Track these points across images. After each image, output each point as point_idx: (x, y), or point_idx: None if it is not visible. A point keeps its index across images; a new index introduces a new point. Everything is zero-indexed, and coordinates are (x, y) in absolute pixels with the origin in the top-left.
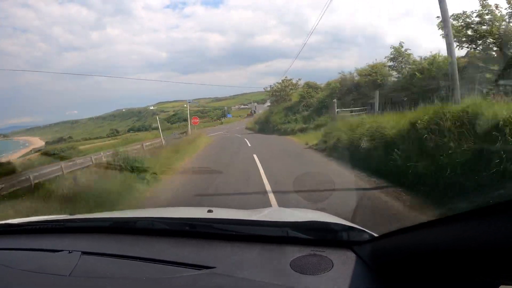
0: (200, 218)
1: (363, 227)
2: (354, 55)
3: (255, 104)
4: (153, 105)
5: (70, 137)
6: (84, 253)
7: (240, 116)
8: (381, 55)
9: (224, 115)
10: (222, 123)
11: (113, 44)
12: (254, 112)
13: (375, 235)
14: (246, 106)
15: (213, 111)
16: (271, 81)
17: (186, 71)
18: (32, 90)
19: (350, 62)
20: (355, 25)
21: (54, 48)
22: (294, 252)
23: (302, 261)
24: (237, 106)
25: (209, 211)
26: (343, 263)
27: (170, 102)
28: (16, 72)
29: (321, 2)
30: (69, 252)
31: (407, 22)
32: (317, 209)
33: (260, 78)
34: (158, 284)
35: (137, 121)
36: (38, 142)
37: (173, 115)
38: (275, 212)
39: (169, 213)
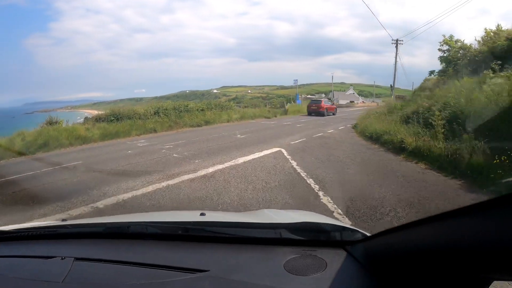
0: (193, 222)
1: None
2: (425, 54)
3: (330, 93)
4: (217, 89)
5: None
6: (77, 259)
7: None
8: None
9: (285, 103)
10: (286, 112)
11: (182, 28)
12: (335, 100)
13: (368, 234)
14: (313, 96)
15: (276, 99)
16: (338, 74)
17: (253, 58)
18: (104, 68)
19: (420, 61)
20: (429, 21)
21: (125, 30)
22: (287, 254)
23: (296, 262)
24: (303, 96)
25: (202, 214)
26: (337, 263)
27: (234, 87)
28: (89, 51)
29: None
30: (62, 259)
31: (484, 20)
32: None
33: (327, 71)
34: None
35: (198, 103)
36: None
37: (233, 99)
38: (268, 214)
39: (162, 217)
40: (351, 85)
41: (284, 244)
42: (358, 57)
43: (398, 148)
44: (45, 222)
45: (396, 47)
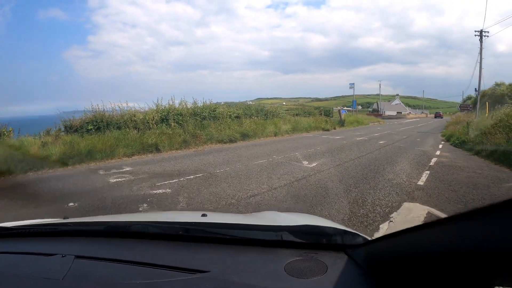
0: (194, 223)
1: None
2: (461, 63)
3: (374, 104)
4: (252, 100)
5: None
6: (77, 257)
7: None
8: (491, 65)
9: (340, 111)
10: (343, 123)
11: (216, 41)
12: (381, 111)
13: (369, 238)
14: (349, 108)
15: (313, 111)
16: (373, 85)
17: (287, 71)
18: (140, 79)
19: (458, 70)
20: (463, 29)
21: (161, 43)
22: (288, 256)
23: (296, 265)
24: (339, 107)
25: (203, 215)
26: (337, 267)
27: (269, 99)
28: (126, 62)
29: (428, 4)
30: (63, 256)
31: None
32: None
33: (362, 82)
34: None
35: (231, 107)
36: None
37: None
38: (269, 216)
39: (163, 217)
40: (397, 95)
41: (285, 247)
42: (393, 68)
43: None
44: (46, 220)
45: (480, 40)
